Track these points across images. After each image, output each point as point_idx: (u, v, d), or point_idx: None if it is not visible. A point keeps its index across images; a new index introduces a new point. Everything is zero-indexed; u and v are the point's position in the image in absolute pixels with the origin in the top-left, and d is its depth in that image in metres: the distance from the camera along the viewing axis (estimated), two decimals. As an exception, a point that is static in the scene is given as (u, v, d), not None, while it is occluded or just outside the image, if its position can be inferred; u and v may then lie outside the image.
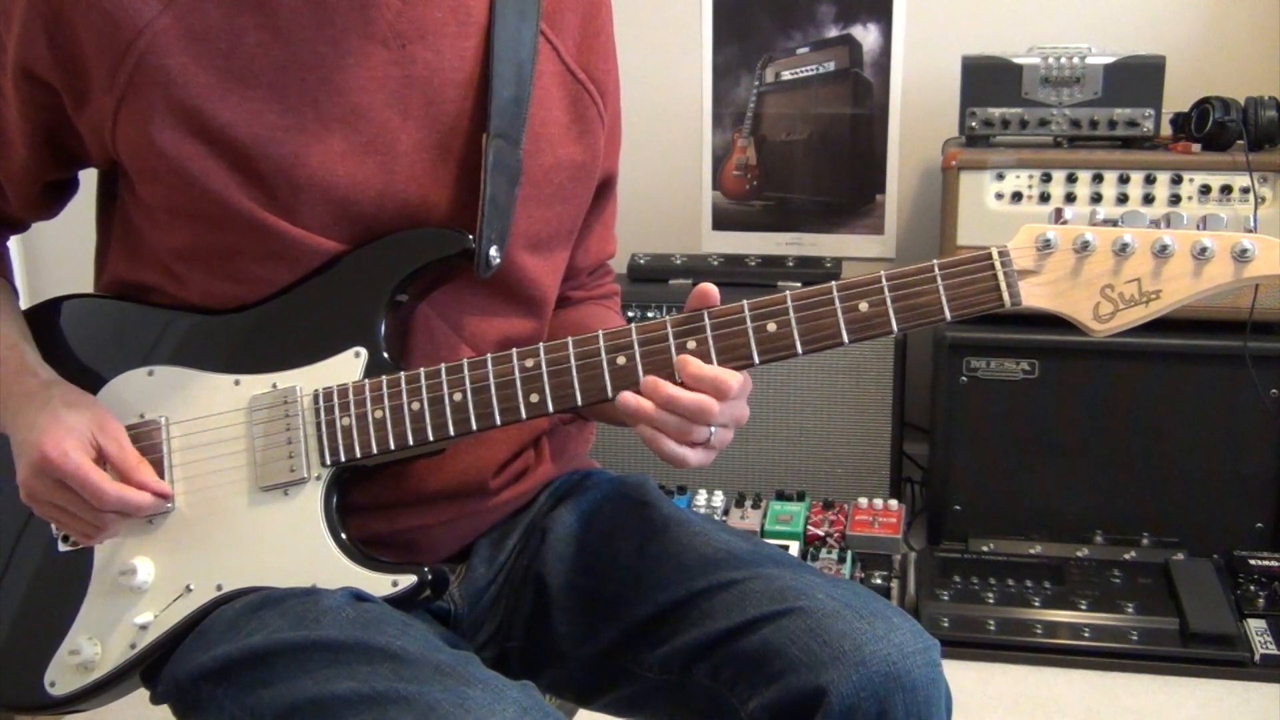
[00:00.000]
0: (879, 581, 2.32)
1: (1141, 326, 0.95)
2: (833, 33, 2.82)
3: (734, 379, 0.97)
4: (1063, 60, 2.39)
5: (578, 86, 1.13)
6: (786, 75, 2.87)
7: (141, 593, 1.05)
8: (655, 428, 0.97)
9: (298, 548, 1.04)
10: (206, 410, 1.07)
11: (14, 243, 1.20)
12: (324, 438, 1.04)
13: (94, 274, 1.18)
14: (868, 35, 2.81)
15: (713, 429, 0.98)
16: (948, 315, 0.95)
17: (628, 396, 0.97)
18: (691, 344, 0.98)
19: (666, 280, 2.68)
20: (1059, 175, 2.35)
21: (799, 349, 0.97)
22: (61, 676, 1.07)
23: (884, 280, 0.96)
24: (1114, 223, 0.95)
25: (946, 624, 2.20)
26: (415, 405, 1.02)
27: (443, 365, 1.03)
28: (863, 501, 2.50)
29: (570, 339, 1.01)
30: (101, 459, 1.02)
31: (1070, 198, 2.35)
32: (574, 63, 1.13)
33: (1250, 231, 0.92)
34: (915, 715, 0.96)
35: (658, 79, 2.89)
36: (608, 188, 1.24)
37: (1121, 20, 2.67)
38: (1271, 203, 2.27)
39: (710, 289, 0.99)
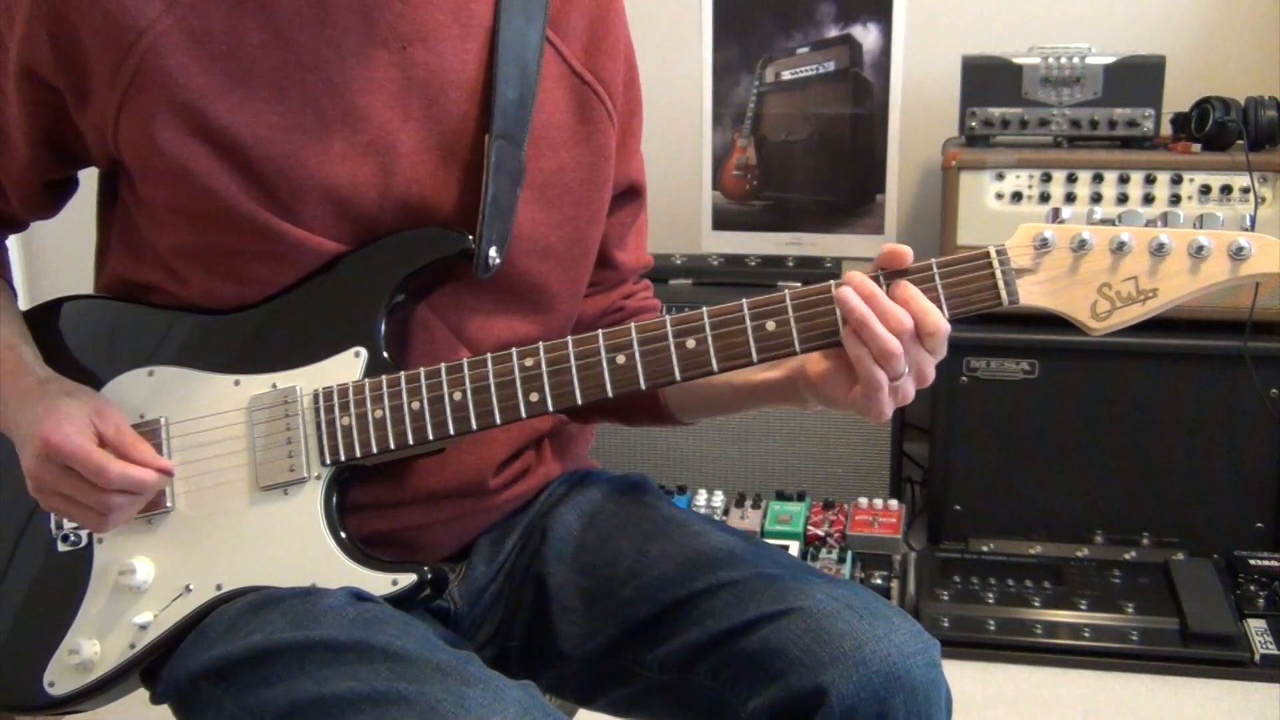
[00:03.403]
0: (879, 581, 2.32)
1: (1141, 326, 0.95)
2: (833, 33, 2.82)
3: (936, 312, 0.94)
4: (1063, 60, 2.39)
5: (584, 89, 1.13)
6: (786, 75, 2.87)
7: (141, 592, 1.05)
8: (866, 331, 0.94)
9: (298, 547, 1.04)
10: (206, 410, 1.07)
11: (14, 243, 1.20)
12: (324, 437, 1.04)
13: (94, 273, 1.18)
14: (868, 35, 2.81)
15: (906, 370, 0.95)
16: (946, 314, 0.96)
17: (846, 291, 0.95)
18: (691, 343, 0.98)
19: (666, 280, 2.68)
20: (1059, 175, 2.35)
21: (797, 347, 0.97)
22: (60, 676, 1.07)
23: (882, 279, 0.96)
24: (1111, 222, 0.95)
25: (946, 624, 2.20)
26: (415, 405, 1.03)
27: (443, 365, 1.03)
28: (863, 501, 2.49)
29: (570, 338, 1.01)
30: (101, 444, 1.02)
31: (1070, 198, 2.35)
32: (580, 65, 1.13)
33: (1247, 230, 0.92)
34: (916, 715, 0.96)
35: (658, 79, 2.87)
36: (636, 195, 1.24)
37: (1121, 20, 2.67)
38: (1271, 203, 2.27)
39: (903, 250, 0.96)
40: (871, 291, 0.95)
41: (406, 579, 1.03)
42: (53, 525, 1.09)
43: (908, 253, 0.96)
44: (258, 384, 1.06)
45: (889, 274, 0.97)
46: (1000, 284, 0.95)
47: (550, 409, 1.01)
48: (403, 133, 1.04)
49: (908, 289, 0.95)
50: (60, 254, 2.63)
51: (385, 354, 1.05)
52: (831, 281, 0.97)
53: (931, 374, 0.98)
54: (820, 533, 2.42)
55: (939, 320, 0.94)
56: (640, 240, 1.27)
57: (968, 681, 2.11)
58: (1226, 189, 2.29)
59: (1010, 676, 2.14)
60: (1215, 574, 2.28)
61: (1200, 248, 0.92)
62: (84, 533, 1.08)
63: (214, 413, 1.07)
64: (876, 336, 0.94)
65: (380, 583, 1.03)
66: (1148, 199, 2.32)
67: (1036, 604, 2.24)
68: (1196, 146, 2.34)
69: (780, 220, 2.95)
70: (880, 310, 0.94)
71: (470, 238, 1.05)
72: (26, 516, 1.10)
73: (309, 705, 0.92)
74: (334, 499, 1.05)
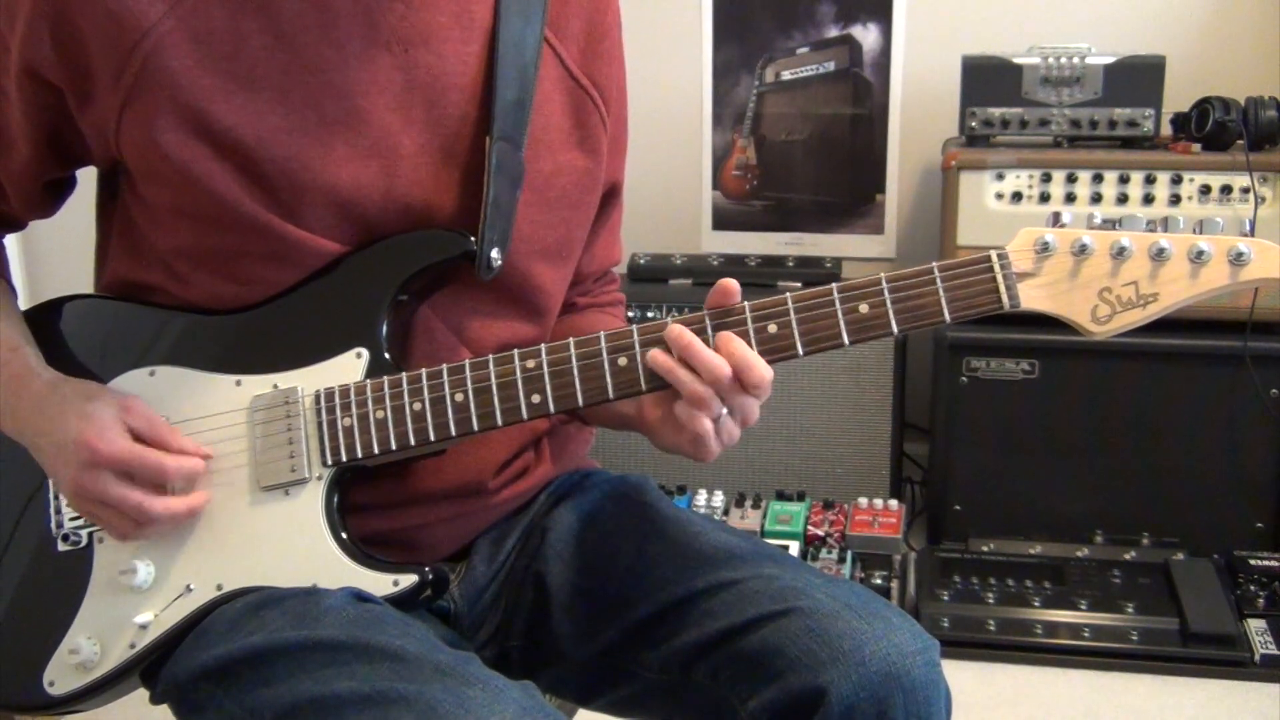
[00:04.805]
0: (879, 581, 2.33)
1: (1141, 327, 0.96)
2: (833, 33, 2.82)
3: (762, 364, 0.96)
4: (1063, 60, 2.39)
5: (580, 92, 1.13)
6: (786, 75, 2.87)
7: (142, 592, 1.06)
8: (673, 380, 0.97)
9: (298, 547, 1.04)
10: (207, 410, 1.07)
11: (14, 243, 1.20)
12: (325, 438, 1.04)
13: (94, 273, 1.18)
14: (868, 35, 2.81)
15: (724, 410, 0.98)
16: (947, 317, 0.96)
17: (656, 351, 0.98)
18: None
19: (666, 280, 2.69)
20: (1059, 175, 2.35)
21: (800, 350, 0.98)
22: (61, 676, 1.07)
23: (884, 282, 0.97)
24: (1112, 225, 0.95)
25: (946, 624, 2.20)
26: (417, 405, 1.03)
27: (444, 366, 1.03)
28: (863, 501, 2.50)
29: (572, 340, 1.01)
30: (136, 439, 1.02)
31: (1070, 198, 2.36)
32: (576, 68, 1.13)
33: (1247, 235, 0.93)
34: (915, 715, 0.96)
35: (658, 79, 2.89)
36: (613, 195, 1.25)
37: (1121, 20, 2.67)
38: (1271, 203, 2.28)
39: (732, 285, 0.99)
40: (688, 343, 0.97)
41: (407, 579, 1.03)
42: (53, 525, 1.10)
43: (735, 290, 0.99)
44: (259, 384, 1.06)
45: (715, 315, 0.98)
46: (1001, 287, 0.95)
47: (552, 410, 1.01)
48: (405, 135, 1.04)
49: (731, 341, 0.97)
50: (60, 254, 2.63)
51: (387, 355, 1.05)
52: (834, 285, 0.97)
53: (756, 415, 1.00)
54: (820, 533, 2.42)
55: (764, 372, 0.96)
56: (611, 239, 1.28)
57: (968, 681, 2.11)
58: (1226, 189, 2.29)
59: (1010, 676, 2.14)
60: (1215, 574, 2.28)
61: (1200, 253, 0.92)
62: (84, 532, 1.09)
63: (215, 413, 1.07)
64: (687, 387, 0.96)
65: (381, 583, 1.03)
66: (1148, 199, 2.33)
67: (1036, 604, 2.25)
68: (1196, 147, 2.34)
69: (780, 220, 2.95)
70: (697, 361, 0.96)
71: (472, 239, 1.05)
72: (26, 516, 1.10)
73: (309, 705, 0.92)
74: (335, 499, 1.05)
